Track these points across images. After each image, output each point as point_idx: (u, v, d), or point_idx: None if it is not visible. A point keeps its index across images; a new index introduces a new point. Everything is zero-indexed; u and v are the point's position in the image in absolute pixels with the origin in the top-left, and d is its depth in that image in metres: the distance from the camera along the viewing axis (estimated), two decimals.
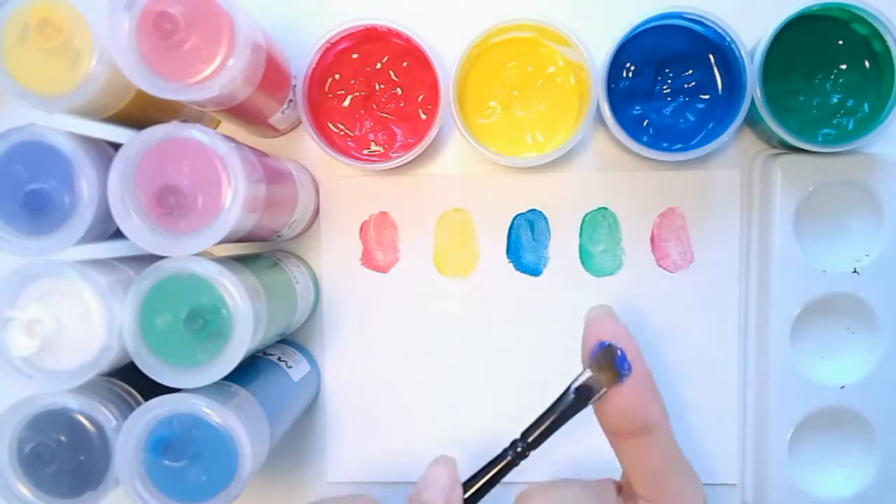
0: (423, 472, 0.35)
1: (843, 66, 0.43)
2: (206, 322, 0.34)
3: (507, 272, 0.48)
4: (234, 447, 0.34)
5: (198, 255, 0.34)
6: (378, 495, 0.48)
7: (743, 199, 0.47)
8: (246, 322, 0.34)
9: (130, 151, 0.34)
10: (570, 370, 0.47)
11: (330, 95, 0.45)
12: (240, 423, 0.34)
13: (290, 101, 0.44)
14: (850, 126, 0.43)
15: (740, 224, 0.47)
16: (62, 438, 0.35)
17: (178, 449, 0.34)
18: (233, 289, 0.34)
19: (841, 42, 0.43)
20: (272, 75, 0.39)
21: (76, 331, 0.34)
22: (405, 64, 0.45)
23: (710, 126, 0.43)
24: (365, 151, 0.45)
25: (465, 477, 0.35)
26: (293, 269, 0.45)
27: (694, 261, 0.47)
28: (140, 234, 0.33)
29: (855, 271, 0.44)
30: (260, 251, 0.47)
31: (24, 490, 0.35)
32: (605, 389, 0.33)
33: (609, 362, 0.33)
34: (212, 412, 0.34)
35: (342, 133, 0.45)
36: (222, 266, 0.34)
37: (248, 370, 0.40)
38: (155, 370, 0.34)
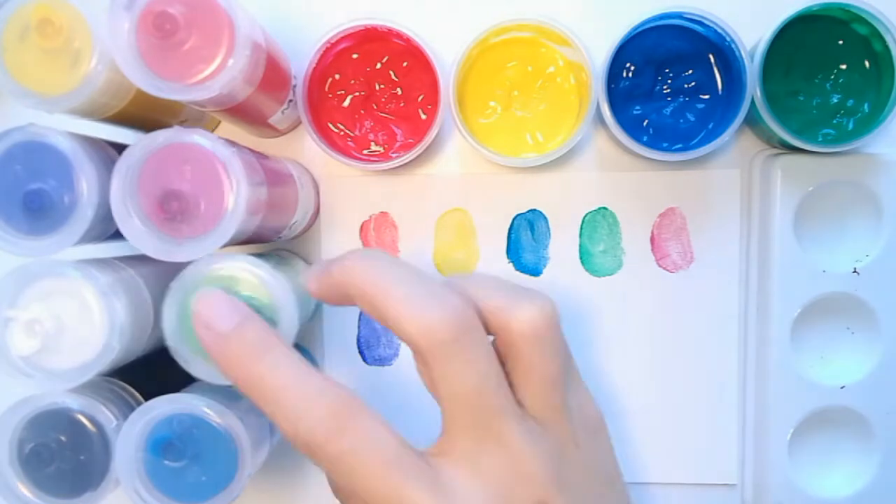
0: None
1: (843, 66, 0.43)
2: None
3: (507, 272, 0.48)
4: (235, 447, 0.34)
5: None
6: None
7: (743, 199, 0.47)
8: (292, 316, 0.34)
9: (132, 157, 0.33)
10: None
11: (330, 95, 0.45)
12: (240, 424, 0.35)
13: (290, 101, 0.44)
14: (850, 126, 0.43)
15: (740, 224, 0.47)
16: (62, 438, 0.35)
17: (178, 449, 0.34)
18: (276, 284, 0.33)
19: (841, 42, 0.43)
20: (272, 75, 0.39)
21: (77, 330, 0.34)
22: (405, 64, 0.45)
23: (710, 126, 0.43)
24: (365, 151, 0.46)
25: None
26: (299, 270, 0.45)
27: (694, 261, 0.47)
28: (143, 240, 0.33)
29: (855, 271, 0.44)
30: (263, 251, 0.47)
31: (24, 490, 0.35)
32: None
33: None
34: (212, 412, 0.34)
35: (342, 133, 0.46)
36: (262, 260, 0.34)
37: None
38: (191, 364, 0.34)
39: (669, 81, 0.44)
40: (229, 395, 0.36)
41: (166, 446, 0.34)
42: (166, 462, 0.34)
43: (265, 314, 0.33)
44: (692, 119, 0.44)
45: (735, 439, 0.47)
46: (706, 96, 0.44)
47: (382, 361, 0.48)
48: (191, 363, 0.33)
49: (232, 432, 0.34)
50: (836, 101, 0.43)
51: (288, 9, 0.47)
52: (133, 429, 0.35)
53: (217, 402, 0.35)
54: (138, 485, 0.35)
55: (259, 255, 0.44)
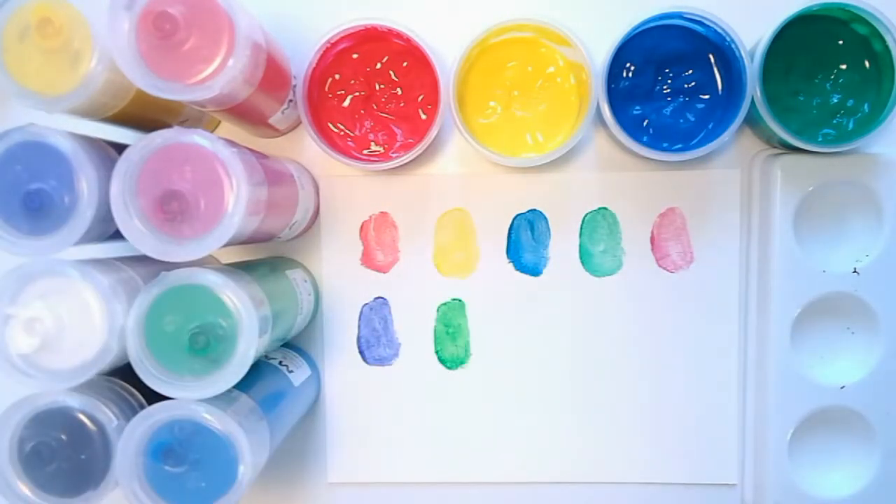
0: None
1: (843, 66, 0.43)
2: (209, 342, 0.34)
3: (507, 272, 0.48)
4: (234, 454, 0.34)
5: (201, 260, 0.34)
6: (378, 495, 0.49)
7: (743, 199, 0.47)
8: (250, 339, 0.34)
9: (132, 157, 0.34)
10: (570, 369, 0.47)
11: (330, 95, 0.45)
12: (240, 430, 0.34)
13: (290, 101, 0.44)
14: (850, 126, 0.43)
15: (740, 224, 0.47)
16: (63, 437, 0.35)
17: (178, 454, 0.34)
18: (240, 305, 0.34)
19: (841, 42, 0.43)
20: (272, 75, 0.39)
21: (77, 330, 0.34)
22: (405, 64, 0.45)
23: (710, 126, 0.43)
24: (365, 151, 0.46)
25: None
26: (295, 275, 0.45)
27: (694, 261, 0.47)
28: (143, 240, 0.33)
29: (855, 271, 0.44)
30: (261, 257, 0.47)
31: (25, 489, 0.35)
32: None
33: None
34: (212, 418, 0.34)
35: (342, 133, 0.46)
36: (227, 278, 0.34)
37: (250, 375, 0.40)
38: (157, 380, 0.34)
39: (669, 81, 0.44)
40: (230, 400, 0.36)
41: (167, 452, 0.34)
42: (166, 467, 0.34)
43: (222, 349, 0.34)
44: (692, 119, 0.44)
45: (735, 439, 0.47)
46: (706, 96, 0.44)
47: (382, 361, 0.48)
48: (152, 378, 0.34)
49: (232, 439, 0.34)
50: (836, 101, 0.43)
51: (288, 9, 0.47)
52: (134, 434, 0.35)
53: (217, 408, 0.35)
54: (138, 490, 0.35)
55: (257, 264, 0.44)
